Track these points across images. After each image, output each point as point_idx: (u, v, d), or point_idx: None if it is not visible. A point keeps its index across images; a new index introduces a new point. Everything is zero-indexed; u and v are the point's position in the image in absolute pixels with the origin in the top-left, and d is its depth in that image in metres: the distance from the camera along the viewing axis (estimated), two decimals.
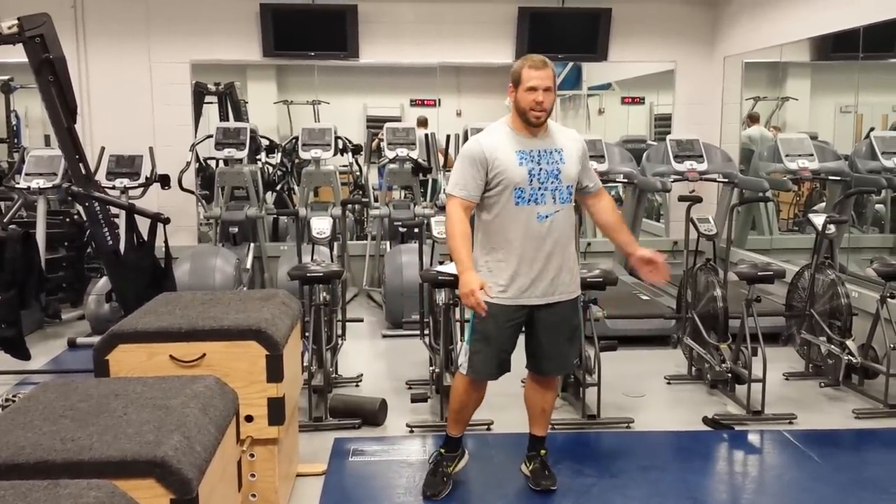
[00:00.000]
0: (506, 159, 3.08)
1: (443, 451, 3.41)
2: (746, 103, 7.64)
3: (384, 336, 5.76)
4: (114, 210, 5.10)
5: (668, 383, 4.71)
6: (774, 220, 7.72)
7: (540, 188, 3.10)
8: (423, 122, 8.67)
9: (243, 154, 6.51)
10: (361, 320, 5.62)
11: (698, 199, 4.99)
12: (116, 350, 2.80)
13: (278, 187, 7.95)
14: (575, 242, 3.33)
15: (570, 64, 9.60)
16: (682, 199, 5.02)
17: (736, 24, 7.11)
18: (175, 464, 1.91)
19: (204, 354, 2.83)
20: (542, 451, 3.44)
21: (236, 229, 6.59)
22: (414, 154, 6.66)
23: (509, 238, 3.13)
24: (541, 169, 3.10)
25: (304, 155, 6.62)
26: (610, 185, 8.17)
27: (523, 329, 3.26)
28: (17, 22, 4.34)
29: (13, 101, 8.75)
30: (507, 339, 3.23)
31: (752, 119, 8.01)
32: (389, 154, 6.63)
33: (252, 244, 6.73)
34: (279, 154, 7.85)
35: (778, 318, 5.20)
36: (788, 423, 4.11)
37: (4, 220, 4.89)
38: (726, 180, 6.48)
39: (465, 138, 6.80)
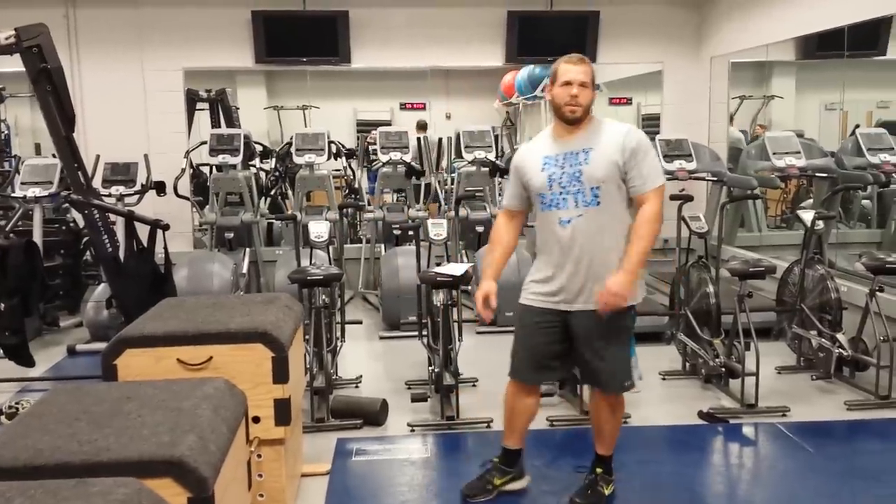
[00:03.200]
0: (532, 166, 3.12)
1: (495, 459, 3.35)
2: (734, 102, 7.75)
3: (381, 338, 5.81)
4: (111, 217, 5.13)
5: (664, 379, 4.78)
6: (763, 217, 7.82)
7: (561, 192, 3.04)
8: (423, 126, 8.75)
9: (237, 160, 6.56)
10: (360, 322, 5.68)
11: (689, 198, 5.07)
12: (125, 355, 2.84)
13: (272, 192, 8.00)
14: (621, 248, 3.02)
15: None
16: (673, 197, 5.09)
17: (722, 24, 7.21)
18: (192, 463, 1.95)
19: (211, 357, 2.87)
20: (598, 470, 3.29)
21: (232, 234, 6.63)
22: (407, 157, 6.73)
23: (543, 241, 3.16)
24: (563, 173, 3.03)
25: (297, 160, 6.67)
26: None
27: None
28: (14, 32, 4.37)
29: (4, 111, 8.76)
30: (539, 342, 3.15)
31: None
32: (383, 157, 6.69)
33: (248, 249, 6.77)
34: (273, 159, 7.90)
35: (769, 313, 5.29)
36: (782, 415, 4.19)
37: (7, 229, 4.92)
38: (715, 179, 6.57)
39: (458, 141, 6.89)
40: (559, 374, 3.27)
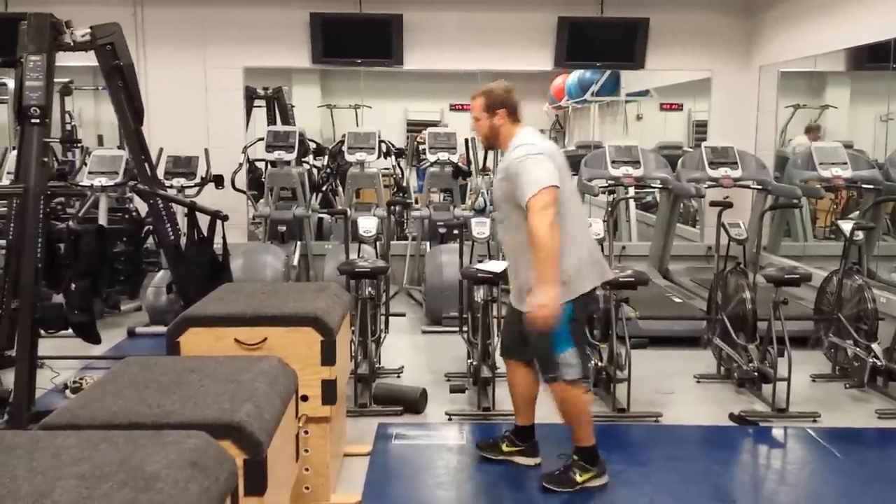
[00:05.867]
0: None
1: (575, 458, 3.45)
2: (784, 112, 7.76)
3: (424, 332, 6.01)
4: (173, 207, 5.40)
5: (698, 382, 4.88)
6: (809, 226, 7.82)
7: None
8: None
9: (292, 156, 6.81)
10: (404, 315, 5.89)
11: (729, 205, 5.16)
12: (187, 333, 3.08)
13: (323, 188, 8.26)
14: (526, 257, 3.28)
15: (608, 71, 9.78)
16: (713, 204, 5.19)
17: (772, 34, 7.24)
18: (249, 427, 2.16)
19: (265, 338, 3.09)
20: (574, 456, 3.46)
21: (284, 228, 6.89)
22: (454, 158, 6.91)
23: None
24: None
25: (349, 158, 6.90)
26: (646, 190, 8.38)
27: None
28: (89, 30, 4.65)
29: (72, 103, 9.19)
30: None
31: (809, 131, 8.10)
32: (431, 157, 6.87)
33: (298, 242, 7.02)
34: (327, 157, 8.16)
35: (807, 322, 5.34)
36: (812, 421, 4.26)
37: (79, 215, 5.25)
38: (760, 187, 6.61)
39: None
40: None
